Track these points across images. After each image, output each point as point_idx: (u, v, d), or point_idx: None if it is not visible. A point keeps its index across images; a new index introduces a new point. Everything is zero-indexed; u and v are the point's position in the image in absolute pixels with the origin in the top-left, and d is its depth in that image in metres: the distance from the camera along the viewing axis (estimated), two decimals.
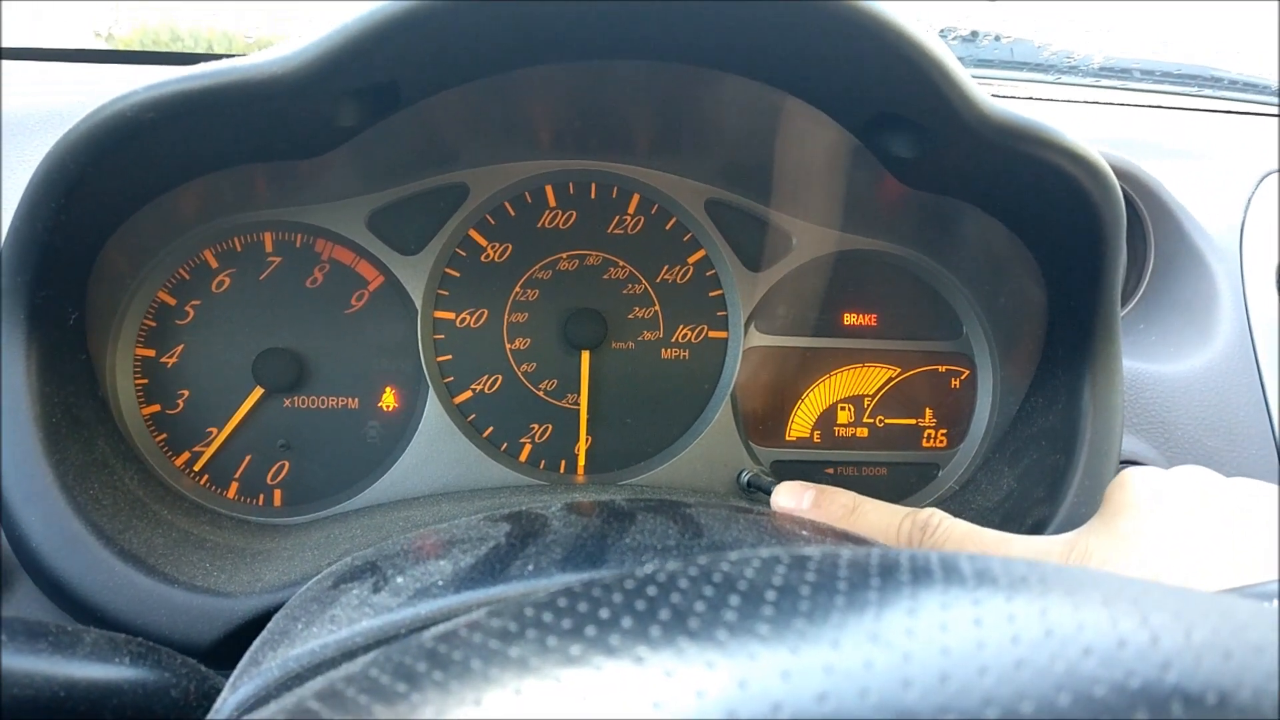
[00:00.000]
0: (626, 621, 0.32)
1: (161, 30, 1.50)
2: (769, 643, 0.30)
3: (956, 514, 1.00)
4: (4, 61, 1.19)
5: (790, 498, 0.83)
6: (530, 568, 0.54)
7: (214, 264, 0.97)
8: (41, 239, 0.72)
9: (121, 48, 1.42)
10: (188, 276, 0.97)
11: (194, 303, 0.97)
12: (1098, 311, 0.86)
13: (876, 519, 0.78)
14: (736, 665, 0.29)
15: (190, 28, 1.51)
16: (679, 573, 0.36)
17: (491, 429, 1.04)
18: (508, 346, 1.04)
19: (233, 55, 0.67)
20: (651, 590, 0.35)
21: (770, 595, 0.33)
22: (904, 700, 0.27)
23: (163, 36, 1.50)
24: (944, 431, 1.10)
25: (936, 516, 0.75)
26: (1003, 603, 0.32)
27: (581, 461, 1.06)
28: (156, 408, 0.96)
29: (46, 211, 0.71)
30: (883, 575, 0.35)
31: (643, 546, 0.57)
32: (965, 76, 0.68)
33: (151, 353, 0.96)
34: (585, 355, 1.04)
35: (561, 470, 1.06)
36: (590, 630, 0.32)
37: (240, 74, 0.65)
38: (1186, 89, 1.61)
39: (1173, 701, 0.27)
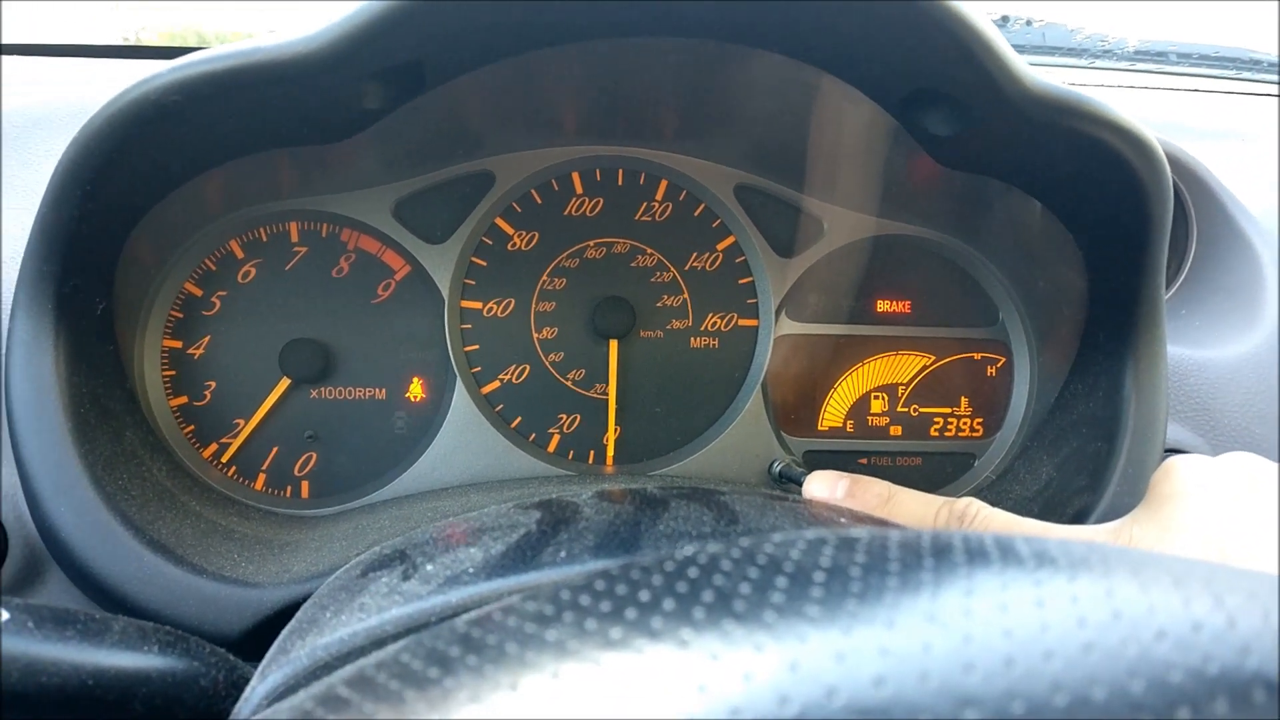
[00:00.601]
0: (668, 604, 0.31)
1: (188, 34, 1.52)
2: (820, 624, 0.29)
3: (994, 503, 0.97)
4: (30, 58, 1.20)
5: (823, 487, 0.81)
6: (563, 554, 0.53)
7: (240, 254, 0.97)
8: (68, 227, 0.72)
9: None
10: (214, 267, 0.96)
11: (220, 294, 0.96)
12: (1141, 294, 0.84)
13: (912, 508, 0.77)
14: (786, 648, 0.28)
15: (216, 30, 1.53)
16: (721, 555, 0.34)
17: (520, 419, 1.03)
18: (535, 336, 1.03)
19: None
20: (693, 572, 0.33)
21: (819, 576, 0.32)
22: (967, 685, 0.26)
23: (190, 40, 1.51)
24: (980, 420, 1.08)
25: (974, 506, 0.74)
26: (1065, 583, 0.31)
27: (610, 452, 1.04)
28: (184, 399, 0.96)
29: (73, 199, 0.71)
30: (936, 556, 0.34)
31: (677, 533, 0.55)
32: (1006, 48, 0.66)
33: (178, 344, 0.96)
34: (613, 344, 1.03)
35: (590, 460, 1.04)
36: (630, 613, 0.31)
37: (264, 54, 0.64)
38: (1225, 71, 1.58)
39: (1254, 688, 0.25)
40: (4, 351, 0.76)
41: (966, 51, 0.64)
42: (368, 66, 0.68)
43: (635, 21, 0.72)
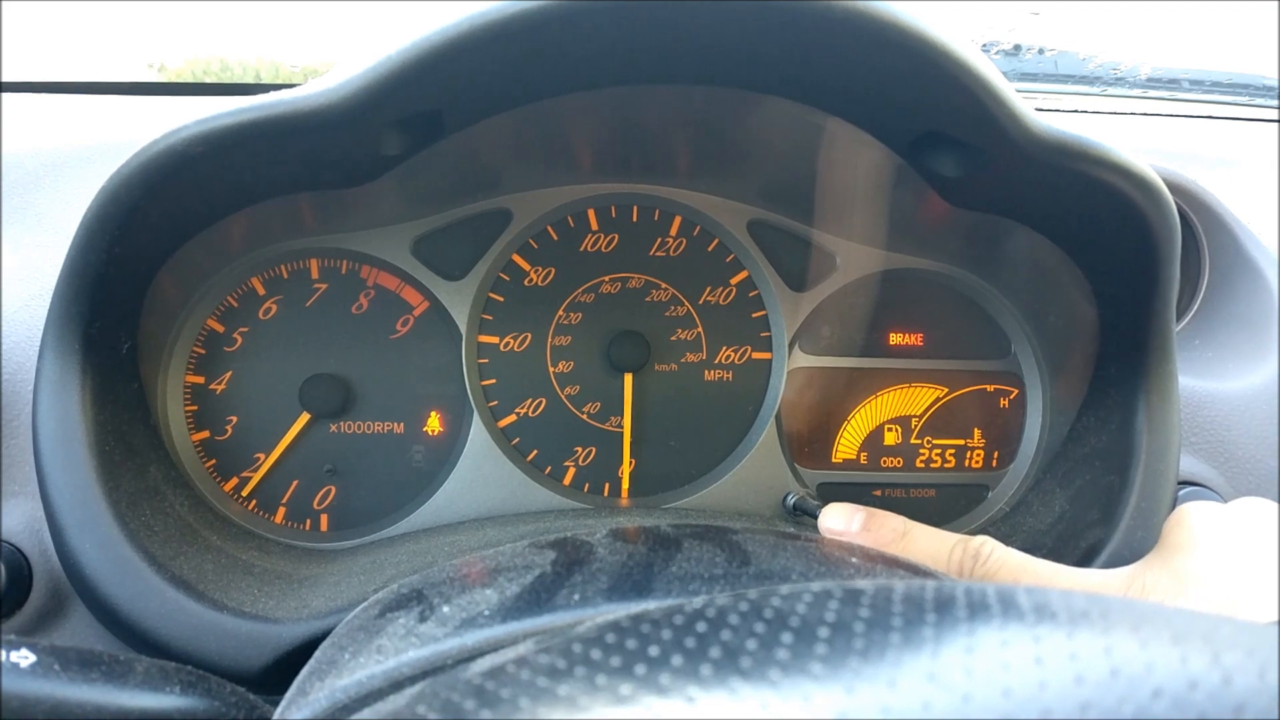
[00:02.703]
0: (677, 660, 0.32)
1: (211, 62, 1.54)
2: (824, 683, 0.30)
3: (1007, 536, 0.98)
4: (56, 95, 1.22)
5: (839, 520, 0.81)
6: (576, 597, 0.54)
7: (261, 291, 0.99)
8: (96, 271, 0.74)
9: (173, 79, 1.46)
10: (236, 304, 0.98)
11: (242, 330, 0.98)
12: (1152, 328, 0.84)
13: (927, 545, 0.77)
14: (790, 707, 0.28)
15: (239, 58, 1.55)
16: (729, 608, 0.35)
17: (535, 452, 1.04)
18: (551, 370, 1.04)
19: (280, 85, 0.68)
20: (701, 626, 0.34)
21: (823, 633, 0.33)
22: None
23: (212, 68, 1.53)
24: (993, 452, 1.08)
25: (989, 545, 0.74)
26: (1064, 640, 0.31)
27: (625, 484, 1.05)
28: (205, 434, 0.97)
29: (101, 244, 0.72)
30: (939, 610, 0.34)
31: (689, 575, 0.56)
32: (1012, 95, 0.67)
33: (201, 379, 0.97)
34: (628, 378, 1.04)
35: (605, 493, 1.05)
36: (640, 669, 0.32)
37: (286, 107, 0.66)
38: (1238, 98, 1.58)
39: None
40: (33, 390, 0.78)
41: (973, 99, 0.65)
42: (388, 116, 0.70)
43: (649, 70, 0.74)
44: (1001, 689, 0.29)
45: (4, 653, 0.50)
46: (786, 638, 0.32)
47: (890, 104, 0.74)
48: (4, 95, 1.17)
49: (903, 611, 0.34)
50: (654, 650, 0.33)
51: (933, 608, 0.35)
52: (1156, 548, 0.71)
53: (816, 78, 0.73)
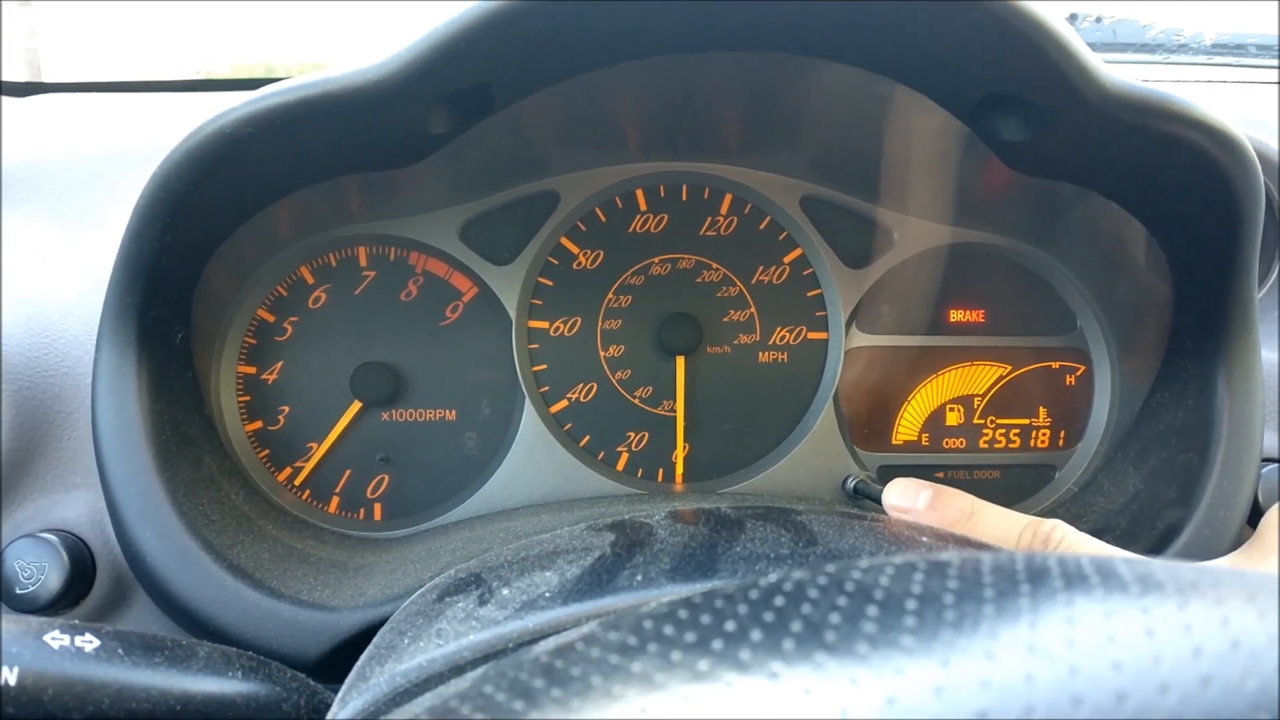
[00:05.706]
0: (756, 634, 0.30)
1: (256, 67, 1.56)
2: (916, 656, 0.28)
3: (1077, 517, 0.95)
4: (106, 94, 1.23)
5: (904, 497, 0.78)
6: (639, 578, 0.52)
7: (310, 280, 0.98)
8: (149, 260, 0.74)
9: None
10: (285, 293, 0.98)
11: (292, 319, 0.98)
12: (1232, 297, 0.80)
13: (995, 525, 0.74)
14: (883, 681, 0.27)
15: (283, 63, 1.57)
16: (807, 581, 0.33)
17: (588, 438, 1.03)
18: (602, 354, 1.03)
19: None
20: (779, 600, 0.32)
21: (911, 604, 0.31)
22: None
23: (257, 72, 1.55)
24: (1060, 431, 1.05)
25: (1061, 529, 0.69)
26: (1175, 610, 0.29)
27: (680, 469, 1.03)
28: (259, 424, 0.98)
29: (153, 231, 0.72)
30: (1033, 581, 0.32)
31: (755, 555, 0.54)
32: (1083, 48, 0.64)
33: (253, 370, 0.98)
34: (680, 361, 1.02)
35: (659, 479, 1.04)
36: (717, 644, 0.30)
37: (335, 84, 0.65)
38: None
39: None
40: (91, 381, 0.78)
41: (1041, 54, 0.62)
42: (435, 91, 0.69)
43: (704, 35, 0.72)
44: (1110, 662, 0.26)
45: (69, 637, 0.50)
46: (872, 610, 0.31)
47: (953, 65, 0.71)
48: (32, 97, 1.19)
49: (993, 582, 0.32)
50: (730, 625, 0.31)
51: (1025, 578, 0.32)
52: (1248, 545, 0.67)
53: (876, 40, 0.71)
